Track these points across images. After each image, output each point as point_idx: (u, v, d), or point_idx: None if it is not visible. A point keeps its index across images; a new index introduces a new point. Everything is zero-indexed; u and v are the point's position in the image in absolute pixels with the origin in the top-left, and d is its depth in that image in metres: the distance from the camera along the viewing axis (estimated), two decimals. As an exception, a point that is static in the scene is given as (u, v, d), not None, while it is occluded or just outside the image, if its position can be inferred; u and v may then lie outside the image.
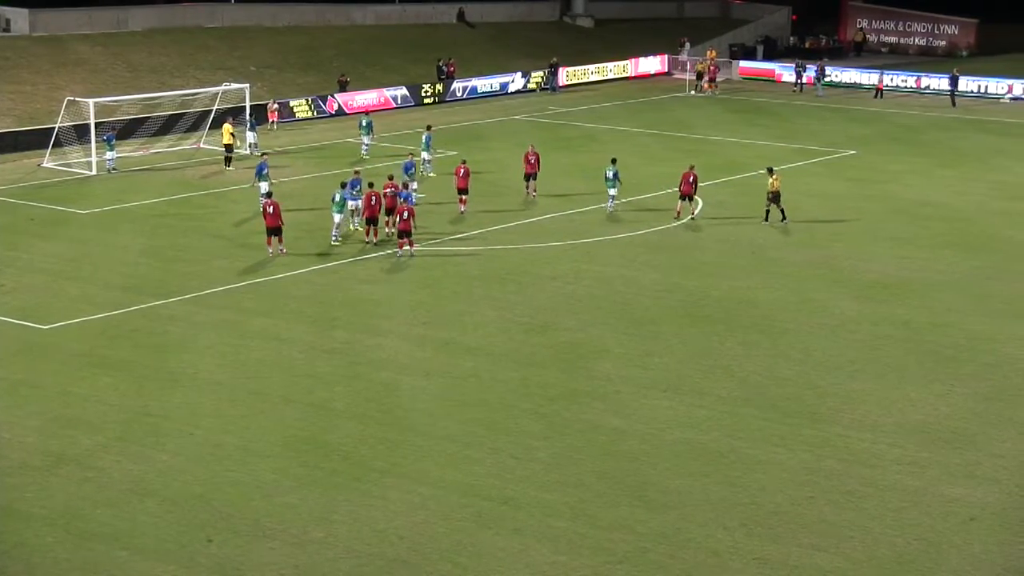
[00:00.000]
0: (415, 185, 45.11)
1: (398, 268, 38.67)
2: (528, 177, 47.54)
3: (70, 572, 20.99)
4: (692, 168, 44.72)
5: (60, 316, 33.79)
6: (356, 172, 43.80)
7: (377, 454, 25.43)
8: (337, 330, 32.88)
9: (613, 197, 45.37)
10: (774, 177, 43.70)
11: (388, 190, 41.26)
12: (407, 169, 45.54)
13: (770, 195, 43.68)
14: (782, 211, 43.80)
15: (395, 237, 39.94)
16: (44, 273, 37.92)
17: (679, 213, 44.51)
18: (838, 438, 26.35)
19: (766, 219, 43.92)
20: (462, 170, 44.68)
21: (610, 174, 45.10)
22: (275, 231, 39.27)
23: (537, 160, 47.47)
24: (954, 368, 30.60)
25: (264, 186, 43.50)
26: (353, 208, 41.81)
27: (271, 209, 39.04)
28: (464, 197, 44.80)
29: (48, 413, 27.31)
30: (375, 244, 40.62)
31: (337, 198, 40.91)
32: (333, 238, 40.96)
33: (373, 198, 40.33)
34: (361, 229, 41.53)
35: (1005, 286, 37.43)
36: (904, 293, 36.56)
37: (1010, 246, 42.03)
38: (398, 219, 39.49)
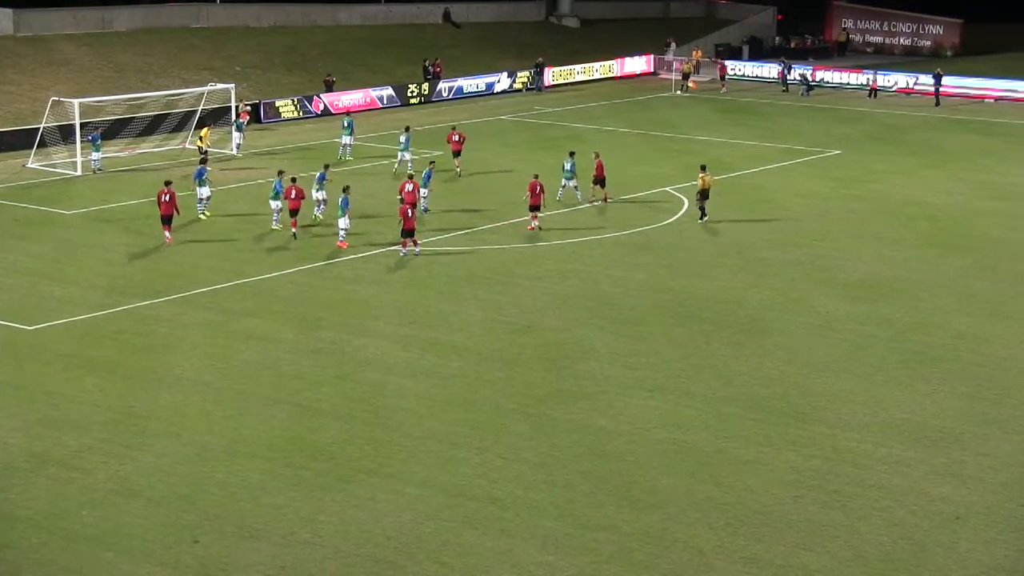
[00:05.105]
0: (425, 192, 44.72)
1: (384, 268, 38.65)
2: (456, 154, 52.03)
3: (56, 573, 20.92)
4: (597, 156, 47.12)
5: (45, 317, 33.70)
6: (325, 166, 45.11)
7: (364, 454, 25.40)
8: (323, 330, 32.84)
9: (564, 187, 46.44)
10: (704, 174, 44.04)
11: (408, 186, 42.03)
12: (426, 179, 45.08)
13: (700, 192, 44.07)
14: (703, 209, 44.12)
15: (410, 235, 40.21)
16: (29, 274, 37.81)
17: (603, 198, 46.61)
18: (824, 437, 26.40)
19: (701, 218, 44.18)
20: (537, 186, 42.51)
21: (567, 165, 46.06)
22: (167, 220, 40.53)
23: (462, 139, 52.33)
24: (940, 367, 30.68)
25: (203, 191, 44.14)
26: (318, 200, 43.41)
27: (166, 198, 40.32)
28: (535, 214, 42.80)
29: (33, 414, 27.23)
30: (294, 237, 41.57)
31: (276, 185, 42.66)
32: (273, 223, 42.80)
33: (294, 192, 41.56)
34: (321, 218, 43.22)
35: (990, 286, 37.54)
36: (889, 293, 36.64)
37: (995, 246, 42.15)
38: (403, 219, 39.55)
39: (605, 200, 46.72)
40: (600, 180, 46.69)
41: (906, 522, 22.81)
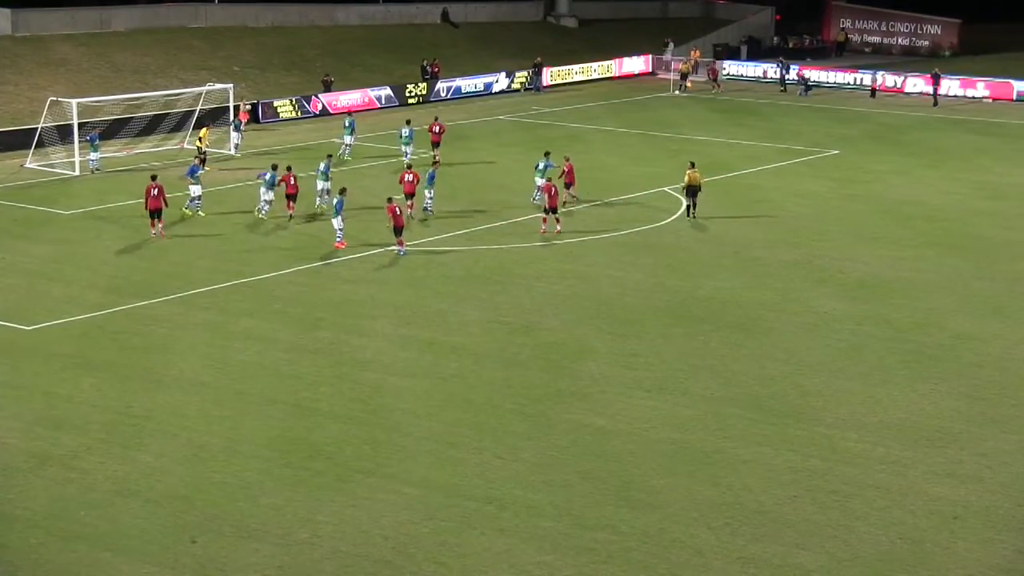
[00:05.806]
0: (430, 193, 44.78)
1: (382, 268, 38.65)
2: (435, 145, 53.46)
3: (54, 574, 20.92)
4: (567, 159, 46.82)
5: (43, 317, 33.69)
6: (328, 156, 46.39)
7: (362, 454, 25.40)
8: (321, 330, 32.84)
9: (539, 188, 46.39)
10: (693, 170, 44.17)
11: (408, 176, 43.63)
12: (431, 179, 45.00)
13: (687, 188, 44.22)
14: (694, 205, 44.23)
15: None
16: (27, 274, 37.81)
17: (567, 199, 45.94)
18: (822, 437, 26.41)
19: (688, 214, 44.41)
20: (552, 188, 42.19)
21: (541, 165, 45.82)
22: (156, 213, 41.33)
23: (441, 131, 54.05)
24: (937, 367, 30.69)
25: (196, 189, 44.47)
26: (321, 190, 44.78)
27: (155, 192, 41.16)
28: (546, 216, 42.37)
29: (31, 414, 27.23)
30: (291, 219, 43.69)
31: (267, 177, 43.74)
32: (259, 212, 44.07)
33: (292, 178, 43.56)
34: (325, 208, 44.33)
35: (988, 285, 37.56)
36: (888, 292, 36.65)
37: (993, 246, 42.17)
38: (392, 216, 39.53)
39: (565, 202, 45.66)
40: (568, 184, 45.90)
41: (904, 522, 22.82)
